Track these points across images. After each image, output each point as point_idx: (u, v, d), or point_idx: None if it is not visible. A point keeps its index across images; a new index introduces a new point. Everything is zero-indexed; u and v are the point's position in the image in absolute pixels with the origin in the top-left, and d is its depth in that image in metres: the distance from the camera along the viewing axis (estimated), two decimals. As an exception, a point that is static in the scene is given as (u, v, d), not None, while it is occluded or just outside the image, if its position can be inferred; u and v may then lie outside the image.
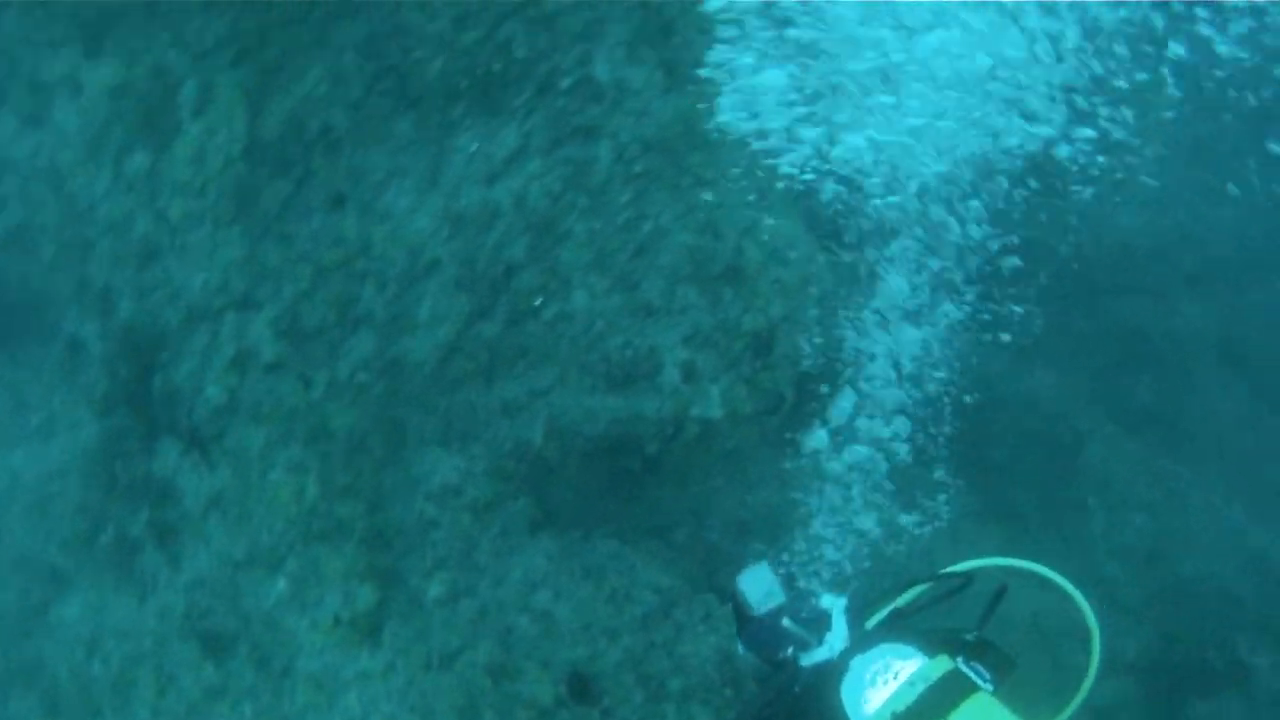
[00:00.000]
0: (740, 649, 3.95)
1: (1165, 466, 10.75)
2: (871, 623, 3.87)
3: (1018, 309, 10.32)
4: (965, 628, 3.94)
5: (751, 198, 6.06)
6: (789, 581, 4.04)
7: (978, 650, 3.82)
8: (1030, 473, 10.11)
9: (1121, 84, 10.10)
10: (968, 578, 4.12)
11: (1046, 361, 10.46)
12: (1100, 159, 9.96)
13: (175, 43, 5.81)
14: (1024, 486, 10.08)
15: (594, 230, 5.74)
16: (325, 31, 5.80)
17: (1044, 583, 4.21)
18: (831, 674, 3.54)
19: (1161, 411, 11.03)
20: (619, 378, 5.81)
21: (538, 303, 5.73)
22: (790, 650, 3.72)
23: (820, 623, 3.77)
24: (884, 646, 3.59)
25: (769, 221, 6.08)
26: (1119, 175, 9.95)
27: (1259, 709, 8.53)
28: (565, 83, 5.66)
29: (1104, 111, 9.81)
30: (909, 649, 3.58)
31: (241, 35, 5.83)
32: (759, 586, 3.95)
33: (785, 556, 4.52)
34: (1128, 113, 10.22)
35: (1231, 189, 10.64)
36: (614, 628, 6.20)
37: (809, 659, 3.65)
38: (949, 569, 4.14)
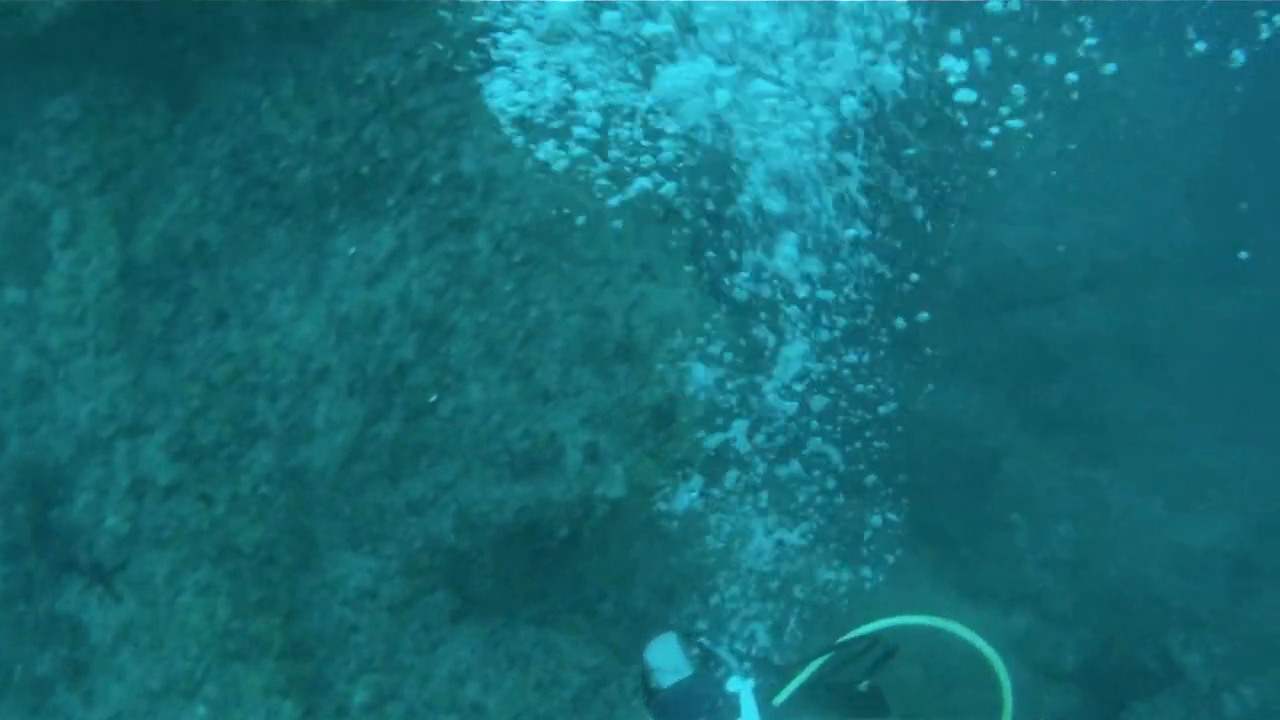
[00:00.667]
0: None
1: (1082, 473, 10.95)
2: (779, 700, 3.87)
3: (923, 333, 10.50)
4: (858, 679, 3.97)
5: (635, 269, 6.08)
6: (705, 655, 4.04)
7: (869, 702, 3.87)
8: (953, 493, 10.23)
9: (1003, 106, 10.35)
10: (870, 641, 4.11)
11: (957, 382, 10.62)
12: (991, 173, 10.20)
13: (35, 174, 5.73)
14: (948, 508, 10.20)
15: (481, 322, 5.72)
16: (189, 148, 5.75)
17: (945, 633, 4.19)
18: None
19: (1073, 418, 11.24)
20: (522, 466, 5.79)
21: (433, 399, 5.70)
22: None
23: (729, 706, 3.78)
24: None
25: (656, 291, 6.10)
26: (1006, 191, 10.17)
27: (1193, 706, 8.66)
28: (435, 178, 5.65)
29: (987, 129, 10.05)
30: None
31: (105, 160, 5.76)
32: (666, 659, 3.95)
33: (700, 627, 4.49)
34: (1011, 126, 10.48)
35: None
36: (546, 715, 6.16)
37: None
38: (846, 637, 4.14)
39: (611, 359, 5.90)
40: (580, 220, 5.84)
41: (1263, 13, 13.77)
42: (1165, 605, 9.81)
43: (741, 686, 3.82)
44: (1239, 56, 13.04)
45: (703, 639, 4.14)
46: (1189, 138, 12.23)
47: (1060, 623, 9.83)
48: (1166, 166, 11.86)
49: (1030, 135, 9.99)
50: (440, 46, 5.66)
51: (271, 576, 5.94)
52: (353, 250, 5.72)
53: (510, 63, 5.72)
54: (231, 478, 5.93)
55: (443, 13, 5.48)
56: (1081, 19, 11.29)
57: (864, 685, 3.90)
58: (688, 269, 6.43)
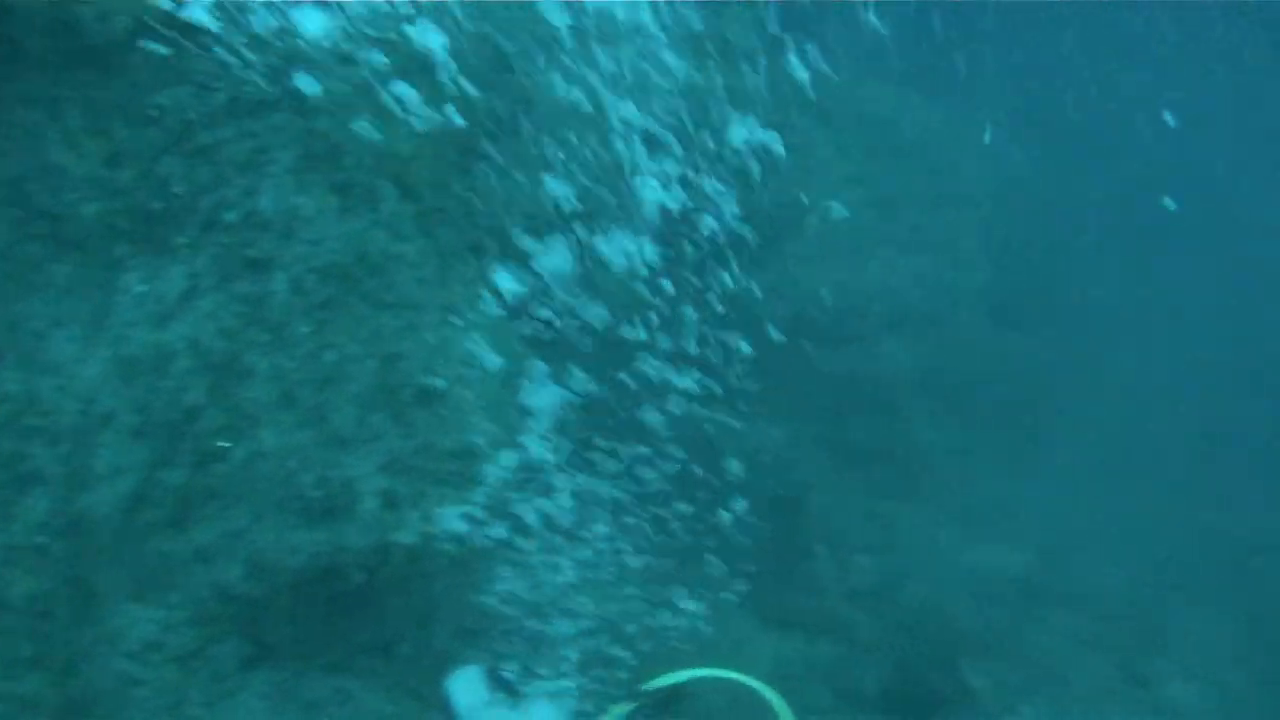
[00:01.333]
0: None
1: (884, 505, 11.35)
2: None
3: (733, 372, 10.71)
4: None
5: (437, 313, 6.03)
6: (509, 692, 4.01)
7: None
8: (761, 527, 10.45)
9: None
10: (674, 690, 4.16)
11: (766, 419, 10.86)
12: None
13: None
14: (755, 540, 10.41)
15: (277, 365, 5.56)
16: (-38, 179, 5.44)
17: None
18: None
19: (876, 452, 11.64)
20: (317, 512, 5.65)
21: (225, 445, 5.51)
22: None
23: None
24: None
25: (457, 336, 6.06)
26: (812, 235, 10.48)
27: (981, 726, 9.06)
28: (231, 216, 5.48)
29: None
30: None
31: None
32: (469, 695, 3.92)
33: (506, 665, 4.46)
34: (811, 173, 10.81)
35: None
36: (339, 765, 6.01)
37: None
38: (650, 685, 4.18)
39: (411, 404, 5.82)
40: (381, 262, 5.76)
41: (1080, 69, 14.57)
42: (957, 629, 10.23)
43: None
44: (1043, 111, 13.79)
45: (506, 673, 4.13)
46: (989, 186, 12.83)
47: (862, 650, 10.14)
48: (971, 213, 12.41)
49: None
50: (241, 79, 5.50)
51: (46, 631, 5.63)
52: (142, 289, 5.49)
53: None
54: (3, 526, 5.61)
55: (243, 48, 5.33)
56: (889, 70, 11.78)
57: None
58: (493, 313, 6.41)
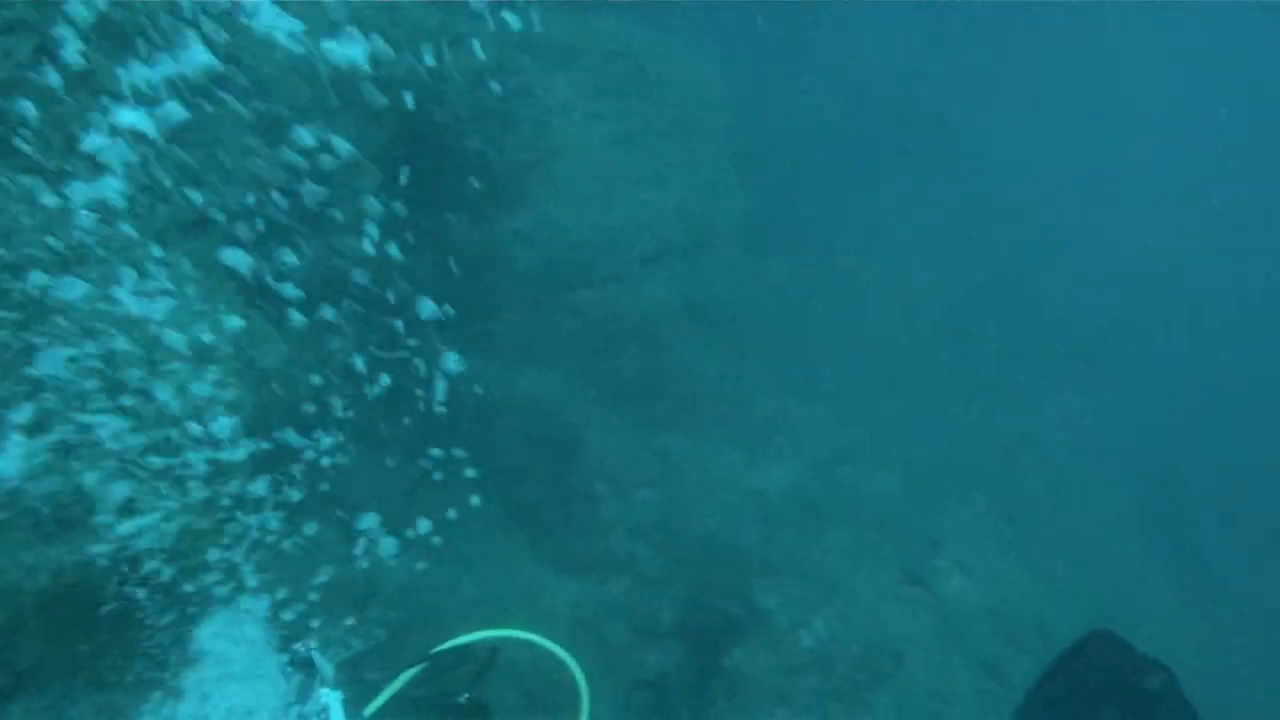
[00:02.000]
0: None
1: (659, 440, 11.44)
2: (370, 710, 3.80)
3: (493, 320, 10.57)
4: (459, 691, 3.95)
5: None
6: (301, 663, 3.92)
7: (470, 713, 3.87)
8: (539, 473, 10.39)
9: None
10: (463, 652, 4.09)
11: (534, 365, 10.76)
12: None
13: None
14: (536, 487, 10.35)
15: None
16: None
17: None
18: None
19: (647, 387, 11.68)
20: (51, 527, 5.24)
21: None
22: None
23: (320, 716, 3.71)
24: None
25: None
26: (562, 176, 10.37)
27: (778, 645, 9.29)
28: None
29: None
30: None
31: None
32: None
33: (300, 644, 4.30)
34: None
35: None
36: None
37: None
38: (439, 648, 4.10)
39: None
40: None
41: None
42: (745, 553, 10.46)
43: (331, 697, 3.76)
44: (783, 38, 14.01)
45: (299, 646, 4.01)
46: (738, 116, 12.98)
47: (654, 584, 10.24)
48: (717, 144, 12.53)
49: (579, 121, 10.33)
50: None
51: None
52: None
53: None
54: None
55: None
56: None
57: (464, 697, 3.88)
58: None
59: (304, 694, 3.87)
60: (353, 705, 3.85)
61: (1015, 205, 17.09)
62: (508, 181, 9.44)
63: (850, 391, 13.43)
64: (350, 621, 8.27)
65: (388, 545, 9.03)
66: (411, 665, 4.02)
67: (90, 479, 5.17)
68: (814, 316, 13.88)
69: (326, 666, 4.03)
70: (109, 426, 5.28)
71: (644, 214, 11.41)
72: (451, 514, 9.93)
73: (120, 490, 5.20)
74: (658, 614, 10.06)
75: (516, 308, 10.42)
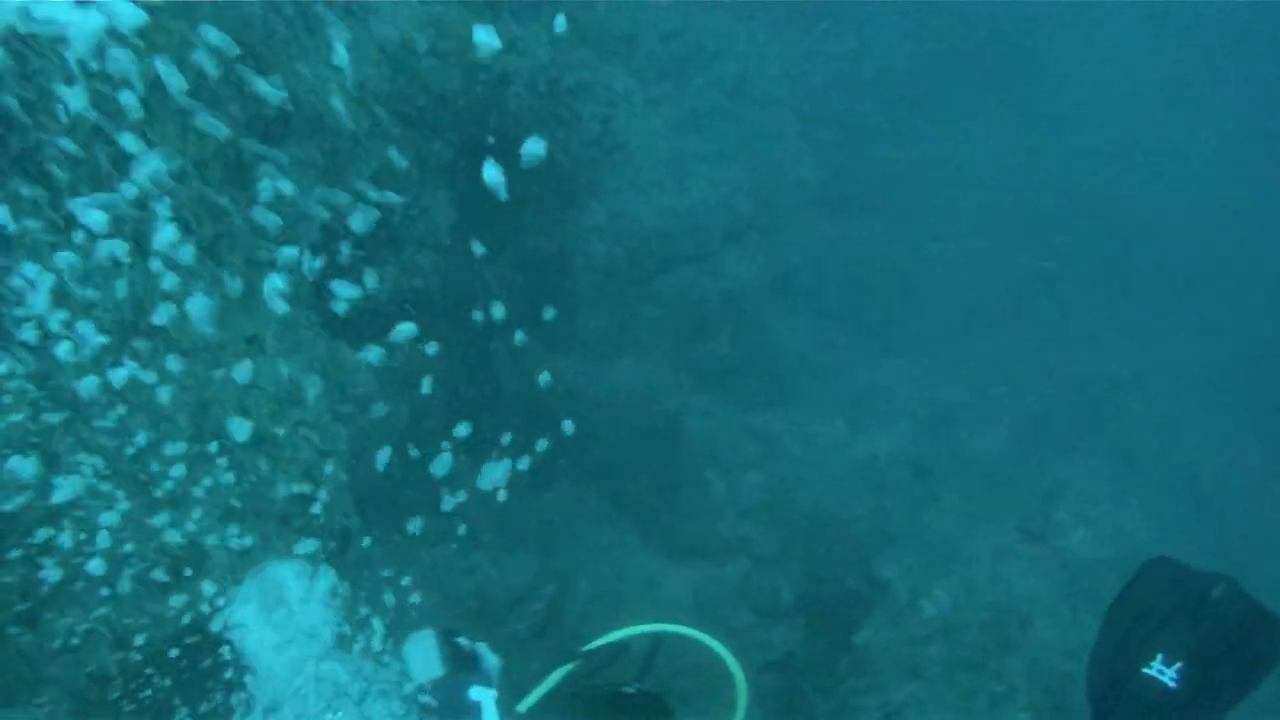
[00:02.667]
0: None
1: (759, 418, 11.31)
2: (524, 706, 3.75)
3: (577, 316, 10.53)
4: (626, 681, 3.87)
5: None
6: (463, 655, 3.88)
7: (643, 704, 3.79)
8: (642, 464, 10.33)
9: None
10: (618, 649, 4.01)
11: (625, 357, 10.71)
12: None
13: None
14: (640, 479, 10.30)
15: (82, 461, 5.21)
16: None
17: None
18: None
19: (741, 365, 11.57)
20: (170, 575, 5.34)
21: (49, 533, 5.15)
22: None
23: (470, 714, 3.66)
24: None
25: (269, 371, 5.74)
26: (628, 165, 10.26)
27: (900, 617, 9.12)
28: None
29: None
30: None
31: None
32: (421, 656, 3.83)
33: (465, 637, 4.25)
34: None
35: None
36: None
37: None
38: (591, 645, 4.02)
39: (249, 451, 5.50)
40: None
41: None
42: (858, 527, 10.29)
43: (484, 695, 3.70)
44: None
45: (461, 639, 3.96)
46: (799, 81, 12.76)
47: (771, 564, 10.14)
48: (782, 112, 12.31)
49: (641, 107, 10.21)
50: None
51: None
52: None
53: None
54: None
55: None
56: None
57: (633, 688, 3.81)
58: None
59: (450, 690, 3.79)
60: (504, 704, 3.77)
61: (1102, 132, 16.56)
62: (576, 178, 9.37)
63: (948, 347, 13.14)
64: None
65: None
66: (563, 662, 3.92)
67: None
68: (902, 273, 13.60)
69: (492, 659, 3.95)
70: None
71: (717, 193, 11.26)
72: (555, 514, 10.02)
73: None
74: (778, 594, 9.96)
75: (601, 302, 10.37)
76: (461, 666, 3.86)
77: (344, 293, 8.04)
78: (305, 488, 5.61)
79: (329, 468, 5.72)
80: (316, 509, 5.69)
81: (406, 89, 8.03)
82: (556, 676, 3.82)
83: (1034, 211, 14.75)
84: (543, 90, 8.72)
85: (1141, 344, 14.11)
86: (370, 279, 8.12)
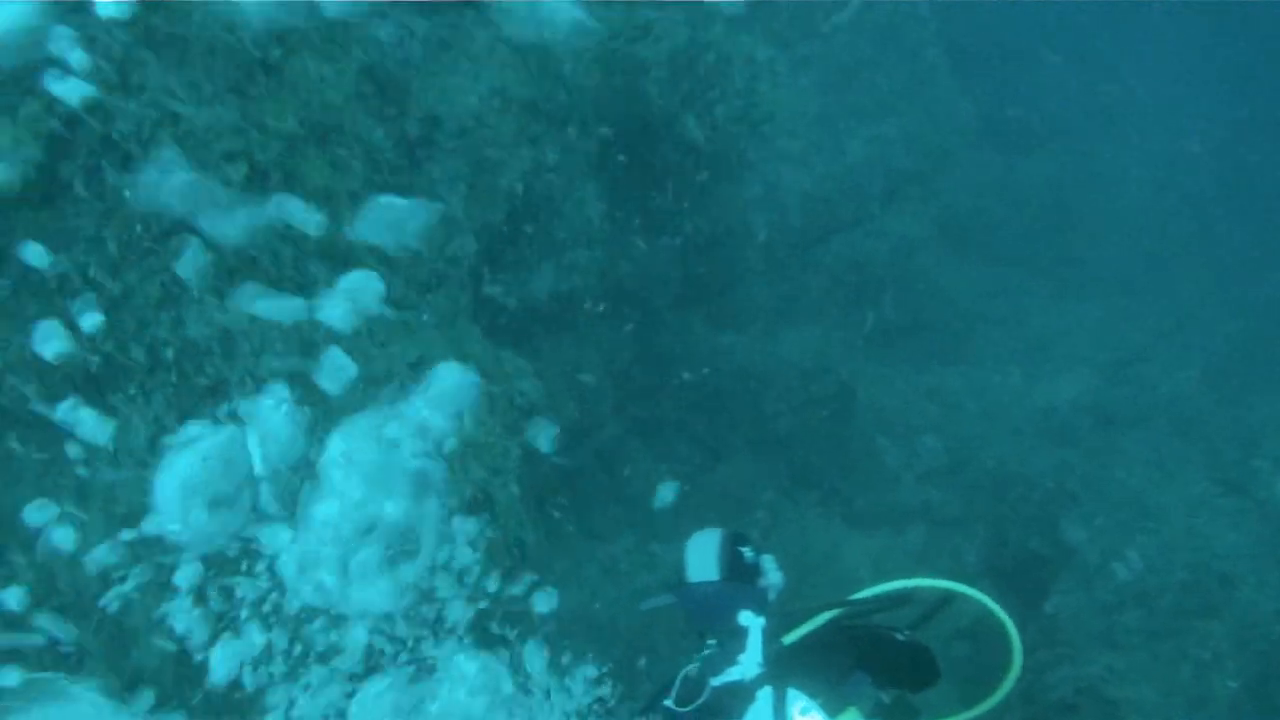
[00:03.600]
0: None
1: (933, 378, 11.04)
2: (789, 640, 3.75)
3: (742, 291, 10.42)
4: (899, 628, 3.86)
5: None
6: (746, 567, 3.92)
7: (889, 712, 3.79)
8: (816, 434, 10.22)
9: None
10: (882, 600, 4.00)
11: (792, 327, 10.58)
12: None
13: None
14: (815, 448, 10.19)
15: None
16: None
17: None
18: (737, 699, 3.51)
19: (911, 324, 11.30)
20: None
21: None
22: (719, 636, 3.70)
23: (736, 639, 3.70)
24: (793, 691, 3.50)
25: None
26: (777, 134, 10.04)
27: (1091, 582, 8.82)
28: (169, 353, 5.33)
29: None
30: (813, 703, 3.50)
31: None
32: (702, 556, 3.89)
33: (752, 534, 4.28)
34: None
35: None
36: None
37: (719, 678, 3.58)
38: (859, 594, 4.01)
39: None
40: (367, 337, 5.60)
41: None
42: (1040, 484, 9.95)
43: (753, 623, 3.70)
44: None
45: (747, 549, 3.98)
46: (947, 21, 12.22)
47: (953, 528, 9.93)
48: (932, 57, 11.85)
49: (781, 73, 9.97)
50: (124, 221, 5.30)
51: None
52: (110, 447, 5.36)
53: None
54: None
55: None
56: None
57: (904, 633, 3.81)
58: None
59: (720, 605, 3.81)
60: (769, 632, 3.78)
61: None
62: (728, 155, 9.23)
63: (1128, 284, 12.58)
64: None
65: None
66: (829, 607, 3.91)
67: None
68: (1073, 211, 13.02)
69: (775, 576, 3.96)
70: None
71: (872, 150, 10.96)
72: (734, 490, 10.01)
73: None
74: (961, 558, 9.75)
75: (764, 276, 10.25)
76: (740, 575, 3.86)
77: (506, 299, 8.20)
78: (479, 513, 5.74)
79: (502, 485, 5.83)
80: (491, 531, 5.81)
81: (547, 88, 8.04)
82: (824, 618, 3.79)
83: (1210, 128, 13.90)
84: (683, 73, 8.60)
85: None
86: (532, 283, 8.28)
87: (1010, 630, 3.92)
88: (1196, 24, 15.17)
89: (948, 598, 3.95)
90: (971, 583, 3.96)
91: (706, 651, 3.73)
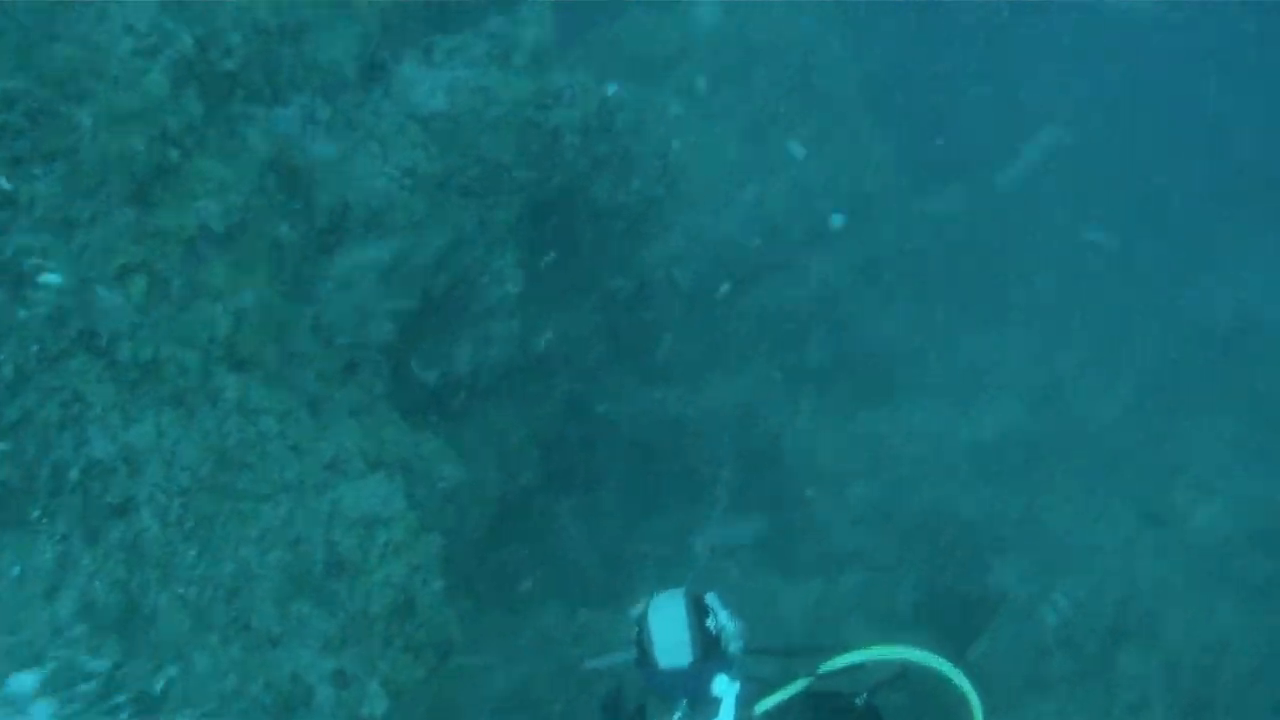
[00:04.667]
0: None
1: (862, 419, 11.10)
2: (761, 708, 3.74)
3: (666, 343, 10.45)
4: (859, 692, 3.87)
5: (320, 477, 5.80)
6: (708, 641, 3.85)
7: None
8: (747, 485, 10.24)
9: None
10: (850, 670, 4.00)
11: (720, 377, 10.60)
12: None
13: None
14: (747, 500, 10.21)
15: (182, 597, 5.35)
16: None
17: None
18: None
19: (838, 367, 11.34)
20: (278, 713, 5.48)
21: (159, 687, 5.32)
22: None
23: (709, 705, 3.70)
24: None
25: (349, 490, 5.84)
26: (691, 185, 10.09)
27: (1021, 627, 8.90)
28: (73, 473, 5.23)
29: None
30: None
31: None
32: (671, 636, 3.80)
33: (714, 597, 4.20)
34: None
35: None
36: None
37: None
38: (828, 665, 3.98)
39: (326, 579, 5.61)
40: (243, 453, 5.52)
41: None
42: (974, 523, 10.04)
43: (727, 691, 3.70)
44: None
45: (709, 623, 3.90)
46: (864, 65, 12.33)
47: (885, 572, 9.98)
48: (848, 101, 11.96)
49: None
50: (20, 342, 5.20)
51: None
52: (16, 570, 5.25)
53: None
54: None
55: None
56: None
57: (861, 699, 3.81)
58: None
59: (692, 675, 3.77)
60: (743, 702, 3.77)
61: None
62: (647, 213, 9.26)
63: (1051, 312, 12.74)
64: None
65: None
66: (801, 677, 3.89)
67: (301, 661, 5.39)
68: (993, 243, 13.19)
69: (739, 636, 3.92)
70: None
71: (793, 196, 11.03)
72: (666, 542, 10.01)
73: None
74: (895, 606, 9.80)
75: (689, 328, 10.27)
76: (711, 649, 3.82)
77: (426, 376, 8.14)
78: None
79: (424, 581, 5.80)
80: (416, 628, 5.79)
81: (458, 161, 8.02)
82: (796, 686, 3.78)
83: (1119, 150, 14.14)
84: (597, 136, 8.62)
85: (1257, 281, 13.43)
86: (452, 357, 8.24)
87: (974, 704, 3.97)
88: (1111, 50, 15.47)
89: (906, 669, 4.00)
90: (916, 637, 4.00)
91: (677, 716, 3.75)
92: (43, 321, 5.17)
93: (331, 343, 6.85)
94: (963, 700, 3.97)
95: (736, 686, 3.73)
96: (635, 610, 3.90)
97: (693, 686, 3.75)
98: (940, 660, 3.99)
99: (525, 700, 7.51)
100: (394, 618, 5.75)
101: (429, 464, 7.08)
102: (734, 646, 3.89)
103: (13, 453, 5.23)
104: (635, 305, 9.66)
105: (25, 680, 5.13)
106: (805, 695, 3.78)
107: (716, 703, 3.71)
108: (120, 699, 5.50)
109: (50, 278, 5.23)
